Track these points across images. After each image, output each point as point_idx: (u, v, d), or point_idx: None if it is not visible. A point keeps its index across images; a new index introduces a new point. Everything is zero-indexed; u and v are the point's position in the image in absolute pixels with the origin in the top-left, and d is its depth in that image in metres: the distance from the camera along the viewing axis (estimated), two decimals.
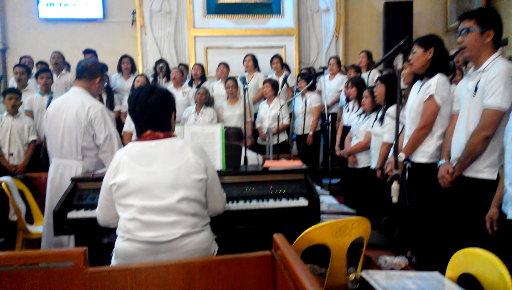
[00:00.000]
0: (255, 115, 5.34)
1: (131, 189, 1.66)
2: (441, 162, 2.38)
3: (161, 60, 5.82)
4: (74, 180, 2.34)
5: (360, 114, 4.01)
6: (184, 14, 6.72)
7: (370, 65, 5.53)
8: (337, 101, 5.51)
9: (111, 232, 1.93)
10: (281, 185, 2.41)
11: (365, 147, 3.78)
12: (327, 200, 3.06)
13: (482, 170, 2.14)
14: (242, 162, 2.77)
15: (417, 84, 2.75)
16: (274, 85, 5.04)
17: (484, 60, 2.17)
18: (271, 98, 5.03)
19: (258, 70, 5.83)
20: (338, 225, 1.61)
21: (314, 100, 5.05)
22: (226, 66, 5.74)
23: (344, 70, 5.79)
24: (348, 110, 4.46)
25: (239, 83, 4.85)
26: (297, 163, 2.57)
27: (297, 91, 5.32)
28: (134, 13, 6.66)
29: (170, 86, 5.37)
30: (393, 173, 1.92)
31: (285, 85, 5.10)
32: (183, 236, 1.66)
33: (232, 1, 6.78)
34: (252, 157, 3.22)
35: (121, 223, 1.69)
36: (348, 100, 4.60)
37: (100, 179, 2.29)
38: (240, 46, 6.66)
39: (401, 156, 2.62)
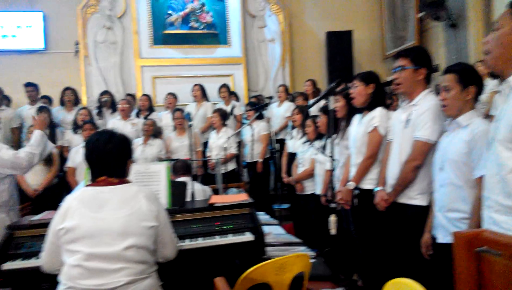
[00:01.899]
0: (205, 144, 5.37)
1: (79, 235, 1.63)
2: (377, 189, 2.52)
3: (105, 92, 5.72)
4: (10, 228, 2.22)
5: (305, 142, 4.16)
6: (129, 44, 6.69)
7: (316, 93, 5.78)
8: (285, 127, 5.68)
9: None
10: (227, 220, 2.43)
11: (311, 174, 3.91)
12: (274, 231, 3.12)
13: (414, 197, 2.30)
14: (189, 198, 2.78)
15: (358, 116, 2.92)
16: (223, 114, 5.12)
17: (416, 95, 2.36)
18: (219, 127, 5.09)
19: (207, 99, 5.89)
20: (278, 263, 1.66)
21: (262, 128, 5.17)
22: (173, 96, 5.75)
23: (291, 98, 5.99)
24: (292, 138, 4.60)
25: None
26: (242, 197, 2.61)
27: (246, 119, 5.42)
28: (77, 44, 6.53)
29: (117, 118, 5.27)
30: (331, 206, 2.01)
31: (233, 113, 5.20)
32: (127, 283, 1.63)
33: (179, 31, 6.85)
34: (200, 191, 3.23)
35: (65, 270, 1.65)
36: (294, 127, 4.76)
37: (37, 225, 2.21)
38: (188, 75, 6.70)
39: (351, 184, 2.77)
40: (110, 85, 6.46)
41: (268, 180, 5.43)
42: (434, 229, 2.12)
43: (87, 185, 1.79)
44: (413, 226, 2.24)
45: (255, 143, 5.01)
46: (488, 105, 4.08)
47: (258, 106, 5.14)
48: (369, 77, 2.76)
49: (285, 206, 5.09)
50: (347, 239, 2.91)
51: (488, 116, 3.52)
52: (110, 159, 1.74)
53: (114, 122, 5.13)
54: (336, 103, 3.18)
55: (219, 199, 2.62)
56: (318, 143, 3.80)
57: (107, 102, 5.47)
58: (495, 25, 1.56)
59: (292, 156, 4.45)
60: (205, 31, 6.94)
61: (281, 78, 7.14)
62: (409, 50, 2.41)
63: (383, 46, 7.80)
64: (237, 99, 6.31)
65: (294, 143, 4.52)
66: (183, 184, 2.60)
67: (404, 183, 2.32)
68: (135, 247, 1.66)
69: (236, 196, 2.72)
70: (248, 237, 2.32)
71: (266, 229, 2.95)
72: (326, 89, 2.19)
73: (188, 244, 2.23)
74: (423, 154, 2.24)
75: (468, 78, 1.97)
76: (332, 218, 1.97)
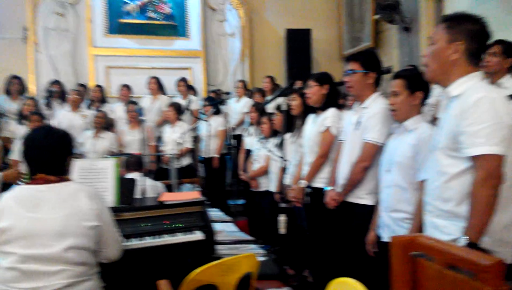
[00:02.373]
0: (159, 138, 5.25)
1: (13, 236, 1.54)
2: (327, 188, 2.57)
3: (55, 81, 5.44)
4: None
5: (260, 139, 4.17)
6: (83, 32, 6.38)
7: (275, 89, 5.80)
8: (242, 123, 5.66)
9: None
10: (177, 218, 2.38)
11: (265, 171, 3.92)
12: (227, 228, 3.11)
13: (362, 196, 2.37)
14: (140, 195, 2.70)
15: (312, 116, 2.96)
16: (177, 108, 5.03)
17: (366, 98, 2.42)
18: (174, 121, 5.00)
19: (163, 92, 5.75)
20: (225, 264, 1.65)
21: (219, 123, 5.13)
22: (128, 88, 5.57)
23: (250, 93, 5.98)
24: (249, 135, 4.60)
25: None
26: (194, 195, 2.57)
27: (203, 114, 5.35)
28: (25, 29, 6.15)
29: (66, 109, 5.03)
30: (281, 205, 2.02)
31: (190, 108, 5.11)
32: (65, 286, 1.56)
33: (136, 21, 6.63)
34: (152, 187, 3.16)
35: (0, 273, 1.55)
36: (251, 124, 4.75)
37: None
38: (144, 66, 6.50)
39: (303, 183, 2.81)
40: (60, 74, 6.13)
41: (224, 176, 5.40)
42: (379, 228, 2.19)
43: (24, 184, 1.70)
44: (360, 225, 2.31)
45: (212, 138, 4.96)
46: (436, 108, 4.27)
47: (215, 101, 5.09)
48: (323, 78, 2.81)
49: (241, 202, 5.09)
50: (300, 236, 2.95)
51: (436, 119, 3.68)
52: (47, 156, 1.66)
53: (63, 114, 4.90)
54: (292, 102, 3.21)
55: (170, 197, 2.56)
56: (273, 141, 3.82)
57: (57, 92, 5.20)
58: (431, 39, 1.62)
59: (249, 153, 4.45)
60: (163, 22, 6.75)
61: (240, 73, 7.11)
62: (359, 54, 2.47)
63: (340, 46, 7.95)
64: (195, 93, 6.21)
65: (251, 140, 4.52)
66: (132, 181, 2.52)
67: (353, 183, 2.38)
68: (75, 248, 1.59)
69: (188, 194, 2.68)
70: (198, 236, 2.29)
71: (218, 226, 2.94)
72: (280, 89, 2.22)
73: (135, 243, 2.16)
74: (371, 155, 2.30)
75: (416, 84, 2.03)
76: (282, 218, 1.98)
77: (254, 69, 7.39)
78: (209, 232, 2.32)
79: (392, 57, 6.20)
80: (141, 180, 2.83)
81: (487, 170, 1.36)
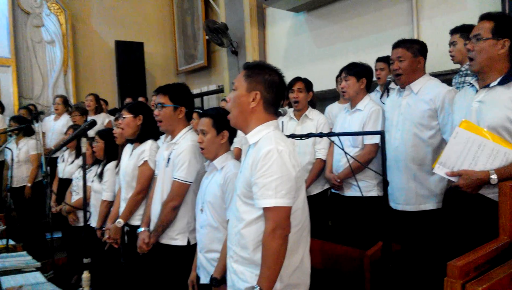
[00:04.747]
0: None
1: None
2: (140, 229, 2.41)
3: None
4: None
5: (81, 167, 3.75)
6: None
7: (99, 108, 5.35)
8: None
9: None
10: None
11: (86, 203, 3.53)
12: (32, 279, 2.65)
13: (174, 237, 2.27)
14: None
15: (128, 147, 2.77)
16: None
17: (177, 133, 2.34)
18: None
19: None
20: None
21: (31, 146, 4.45)
22: None
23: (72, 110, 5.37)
24: (64, 161, 4.09)
25: None
26: None
27: (10, 135, 4.57)
28: None
29: None
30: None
31: None
32: None
33: None
34: None
35: None
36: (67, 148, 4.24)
37: None
38: None
39: (120, 221, 2.59)
40: None
41: (40, 207, 4.69)
42: (198, 269, 2.14)
43: None
44: (176, 267, 2.23)
45: (23, 164, 4.26)
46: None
47: (25, 121, 4.40)
48: (137, 108, 2.65)
49: (59, 235, 4.49)
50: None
51: None
52: None
53: None
54: (116, 129, 2.96)
55: None
56: (95, 170, 3.47)
57: None
58: (233, 85, 1.65)
59: (66, 182, 3.95)
60: None
61: (62, 86, 6.40)
62: (168, 88, 2.36)
63: (176, 61, 7.91)
64: (2, 109, 5.28)
65: (65, 167, 4.02)
66: None
67: (164, 223, 2.27)
68: None
69: None
70: None
71: (19, 279, 2.47)
72: (77, 130, 2.00)
73: None
74: (180, 194, 2.24)
75: (223, 123, 2.04)
76: (85, 275, 1.75)
77: (80, 81, 6.74)
78: None
79: (224, 77, 6.44)
80: None
81: (275, 221, 1.42)
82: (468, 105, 1.90)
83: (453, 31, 2.80)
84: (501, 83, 1.80)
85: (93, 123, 2.05)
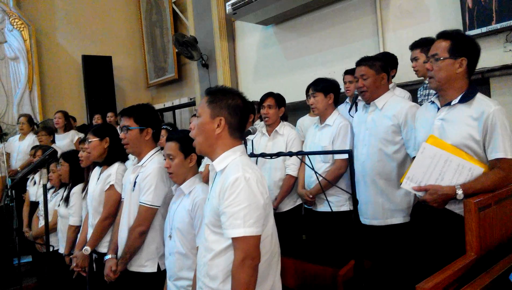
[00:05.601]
0: None
1: None
2: (107, 257, 2.33)
3: None
4: None
5: (49, 189, 3.62)
6: None
7: (68, 125, 5.20)
8: (29, 165, 4.87)
9: None
10: None
11: (53, 228, 3.40)
12: None
13: (144, 264, 2.20)
14: None
15: (96, 170, 2.69)
16: None
17: (144, 155, 2.29)
18: None
19: None
20: None
21: None
22: None
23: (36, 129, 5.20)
24: (35, 184, 3.96)
25: None
26: None
27: None
28: None
29: None
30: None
31: None
32: None
33: None
34: None
35: None
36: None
37: None
38: None
39: (87, 249, 2.50)
40: None
41: (5, 231, 4.49)
42: None
43: None
44: None
45: None
46: None
47: None
48: (103, 131, 2.58)
49: (27, 260, 4.31)
50: None
51: None
52: None
53: None
54: (82, 153, 2.87)
55: None
56: (62, 193, 3.35)
57: None
58: (196, 112, 1.62)
59: (35, 205, 3.81)
60: None
61: (28, 103, 6.20)
62: (133, 109, 2.30)
63: (146, 74, 7.81)
64: None
65: (37, 190, 3.89)
66: None
67: (131, 250, 2.20)
68: None
69: None
70: None
71: None
72: (39, 159, 1.91)
73: None
74: (147, 219, 2.18)
75: (189, 146, 2.00)
76: None
77: (46, 99, 6.55)
78: None
79: (196, 90, 6.39)
80: None
81: (244, 251, 1.39)
82: (430, 123, 1.94)
83: (413, 46, 2.87)
84: (461, 101, 1.84)
85: (54, 153, 1.98)
